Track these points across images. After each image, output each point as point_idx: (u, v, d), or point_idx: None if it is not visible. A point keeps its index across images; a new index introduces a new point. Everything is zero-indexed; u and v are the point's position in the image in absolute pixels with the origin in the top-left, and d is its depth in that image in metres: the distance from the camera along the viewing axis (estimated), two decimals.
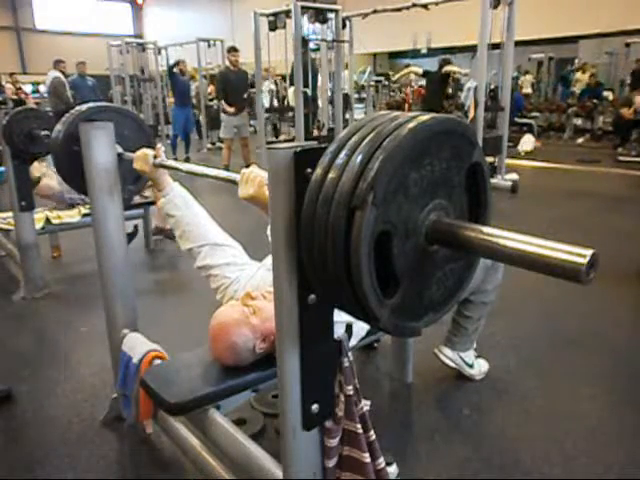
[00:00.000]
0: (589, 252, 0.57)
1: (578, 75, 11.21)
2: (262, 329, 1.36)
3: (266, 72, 7.19)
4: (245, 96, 6.94)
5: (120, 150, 1.65)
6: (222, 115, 6.72)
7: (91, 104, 1.78)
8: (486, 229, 0.67)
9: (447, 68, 6.66)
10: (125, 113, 1.84)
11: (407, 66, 13.18)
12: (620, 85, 10.66)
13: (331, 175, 0.68)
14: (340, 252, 0.66)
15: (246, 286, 1.56)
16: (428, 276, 0.76)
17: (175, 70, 7.96)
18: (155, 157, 1.55)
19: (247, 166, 1.32)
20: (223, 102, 6.69)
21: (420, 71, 7.64)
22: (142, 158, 1.56)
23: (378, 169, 0.63)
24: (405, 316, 0.73)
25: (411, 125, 0.66)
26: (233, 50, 6.88)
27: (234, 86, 6.62)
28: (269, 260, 1.59)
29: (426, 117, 0.69)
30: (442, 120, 0.70)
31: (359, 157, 0.66)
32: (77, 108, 1.75)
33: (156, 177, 1.60)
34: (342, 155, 0.68)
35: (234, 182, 1.24)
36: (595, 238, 3.94)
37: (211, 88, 10.02)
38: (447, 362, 2.01)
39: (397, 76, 10.49)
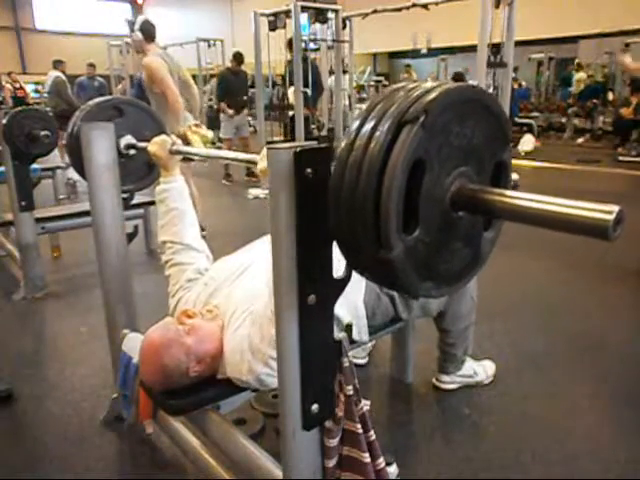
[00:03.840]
0: (615, 208, 0.59)
1: (577, 75, 11.23)
2: (197, 350, 1.28)
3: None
4: (245, 97, 6.93)
5: (133, 141, 1.69)
6: (222, 115, 6.69)
7: (106, 98, 1.80)
8: (510, 192, 0.69)
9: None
10: (137, 105, 1.85)
11: (407, 66, 13.23)
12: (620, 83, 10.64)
13: (362, 135, 0.68)
14: (375, 167, 0.65)
15: (196, 300, 1.50)
16: (442, 240, 0.75)
17: None
18: (173, 144, 1.56)
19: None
20: (222, 104, 6.68)
21: None
22: (159, 143, 1.56)
23: (435, 97, 0.66)
24: (412, 264, 0.71)
25: (462, 84, 0.70)
26: (239, 57, 6.74)
27: (234, 87, 6.57)
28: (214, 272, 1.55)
29: (465, 84, 0.74)
30: (492, 96, 0.75)
31: (389, 121, 0.66)
32: (93, 101, 1.76)
33: (169, 164, 1.59)
34: (373, 119, 0.68)
35: (253, 162, 1.18)
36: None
37: (207, 87, 10.02)
38: (450, 387, 1.99)
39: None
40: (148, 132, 1.75)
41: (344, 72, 6.70)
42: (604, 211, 0.59)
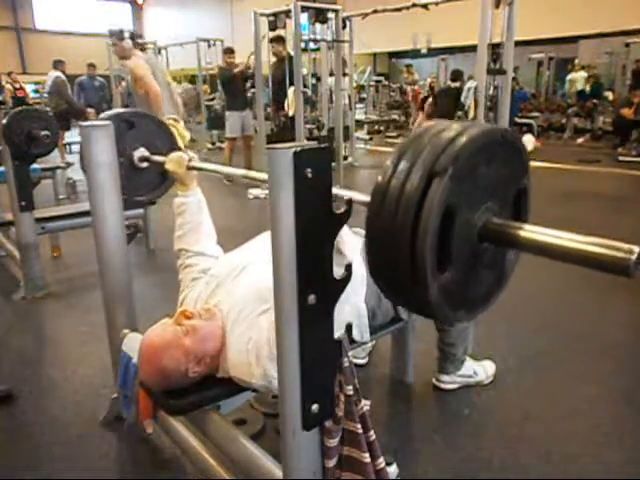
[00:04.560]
0: (636, 249, 0.62)
1: (573, 76, 11.24)
2: (196, 351, 1.29)
3: None
4: (247, 95, 6.89)
5: (147, 154, 1.73)
6: (227, 113, 6.60)
7: (120, 111, 1.82)
8: (532, 227, 0.72)
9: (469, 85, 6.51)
10: (146, 116, 1.88)
11: (408, 66, 13.23)
12: (621, 80, 10.63)
13: (397, 176, 0.72)
14: (411, 215, 0.69)
15: (197, 299, 1.51)
16: (471, 272, 0.79)
17: None
18: (190, 160, 1.58)
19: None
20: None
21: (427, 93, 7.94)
22: (176, 160, 1.58)
23: (462, 145, 0.69)
24: (446, 300, 0.76)
25: (487, 127, 0.74)
26: (229, 52, 6.80)
27: (234, 84, 6.55)
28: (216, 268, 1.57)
29: (491, 126, 0.76)
30: (513, 134, 0.78)
31: (422, 166, 0.70)
32: (106, 114, 1.79)
33: (186, 179, 1.61)
34: (405, 161, 0.72)
35: (262, 180, 1.19)
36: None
37: (204, 87, 10.02)
38: (449, 387, 1.99)
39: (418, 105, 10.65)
40: (159, 142, 1.78)
41: (344, 75, 6.68)
42: (625, 250, 0.63)
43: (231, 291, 1.44)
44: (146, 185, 1.84)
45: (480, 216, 0.75)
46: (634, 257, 0.62)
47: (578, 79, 11.07)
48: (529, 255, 0.73)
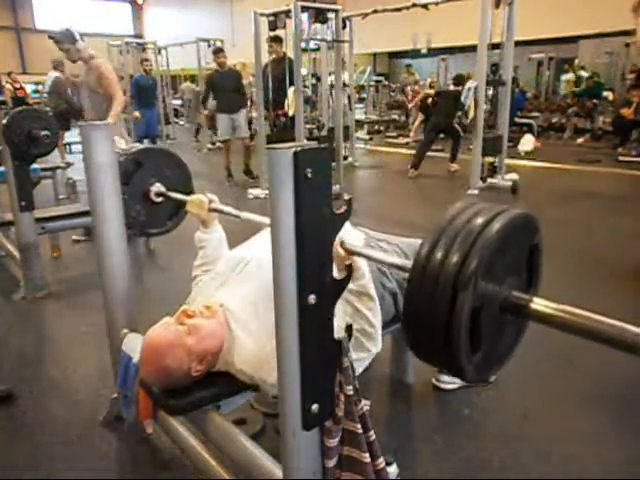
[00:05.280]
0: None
1: (567, 77, 11.26)
2: (199, 350, 1.29)
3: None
4: (242, 95, 6.64)
5: (163, 189, 1.79)
6: (217, 115, 6.53)
7: (124, 154, 1.83)
8: (545, 302, 0.82)
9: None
10: (166, 153, 1.94)
11: (408, 66, 13.23)
12: (621, 80, 10.63)
13: (433, 262, 0.80)
14: (443, 321, 0.78)
15: (201, 296, 1.53)
16: (499, 337, 0.90)
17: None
18: (210, 202, 1.62)
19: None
20: (203, 107, 6.60)
21: (432, 92, 8.09)
22: (198, 203, 1.63)
23: (477, 264, 0.77)
24: (483, 369, 0.88)
25: (499, 225, 0.80)
26: (219, 51, 6.59)
27: (222, 87, 6.38)
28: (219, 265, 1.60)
29: (510, 216, 0.83)
30: (521, 217, 0.85)
31: (456, 255, 0.78)
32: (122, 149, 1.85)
33: (208, 220, 1.66)
34: (440, 250, 0.80)
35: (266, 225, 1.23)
36: (595, 238, 3.94)
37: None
38: (449, 387, 1.99)
39: (411, 103, 10.77)
40: (169, 171, 1.84)
41: (344, 86, 6.62)
42: (634, 332, 0.73)
43: (237, 287, 1.45)
44: (160, 217, 1.89)
45: (502, 291, 0.84)
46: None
47: (570, 79, 11.11)
48: None
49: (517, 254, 0.88)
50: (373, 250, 1.23)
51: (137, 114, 7.71)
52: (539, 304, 0.82)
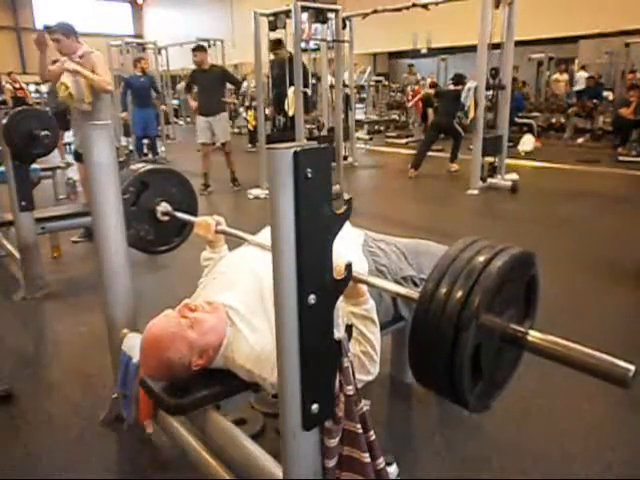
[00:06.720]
0: (633, 367, 0.79)
1: (556, 76, 11.26)
2: (200, 344, 1.29)
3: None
4: (222, 98, 5.91)
5: (169, 209, 1.86)
6: (196, 117, 5.93)
7: (128, 178, 1.85)
8: (543, 336, 0.89)
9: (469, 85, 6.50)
10: (173, 173, 1.98)
11: (410, 66, 13.23)
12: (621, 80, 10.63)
13: (438, 299, 0.84)
14: (446, 357, 0.83)
15: (204, 293, 1.53)
16: (498, 365, 0.94)
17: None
18: (217, 224, 1.66)
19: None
20: (189, 96, 6.09)
21: (432, 92, 8.21)
22: (205, 226, 1.68)
23: (478, 304, 0.81)
24: (484, 398, 0.93)
25: (500, 263, 0.85)
26: (196, 49, 5.80)
27: (202, 86, 5.79)
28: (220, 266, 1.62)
29: (510, 254, 0.87)
30: (520, 255, 0.89)
31: (459, 292, 0.83)
32: (131, 169, 1.89)
33: (215, 241, 1.70)
34: (444, 288, 0.85)
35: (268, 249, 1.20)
36: (595, 238, 3.94)
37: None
38: None
39: (411, 103, 10.84)
40: (174, 189, 1.91)
41: (344, 86, 6.58)
42: (623, 367, 0.80)
43: (239, 285, 1.45)
44: (165, 235, 1.94)
45: (502, 323, 0.89)
46: (631, 373, 0.78)
47: (561, 80, 11.13)
48: None
49: (515, 288, 0.92)
50: (379, 279, 1.26)
51: (125, 115, 7.63)
52: (535, 337, 0.89)
